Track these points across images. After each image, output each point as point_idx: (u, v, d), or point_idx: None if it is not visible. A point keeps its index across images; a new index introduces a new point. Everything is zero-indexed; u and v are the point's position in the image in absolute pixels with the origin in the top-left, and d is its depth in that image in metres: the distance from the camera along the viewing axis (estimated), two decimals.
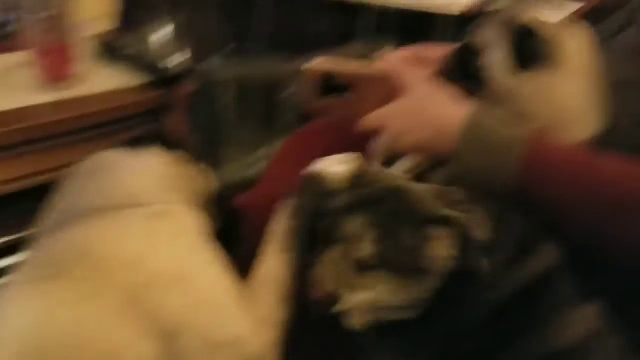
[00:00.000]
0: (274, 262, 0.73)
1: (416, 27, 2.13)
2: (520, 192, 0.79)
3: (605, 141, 0.88)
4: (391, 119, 0.89)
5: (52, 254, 0.70)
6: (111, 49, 1.45)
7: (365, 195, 0.76)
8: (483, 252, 0.72)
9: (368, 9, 2.28)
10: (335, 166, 0.79)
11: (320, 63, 0.92)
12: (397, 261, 0.71)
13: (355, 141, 1.16)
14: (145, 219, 0.73)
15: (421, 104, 0.87)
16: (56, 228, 0.74)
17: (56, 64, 1.29)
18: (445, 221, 0.73)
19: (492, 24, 0.91)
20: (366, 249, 0.71)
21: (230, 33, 3.37)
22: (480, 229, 0.73)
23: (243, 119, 2.16)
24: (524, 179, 0.79)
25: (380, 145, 1.15)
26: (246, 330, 0.69)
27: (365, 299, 0.72)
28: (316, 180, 0.78)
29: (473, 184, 0.82)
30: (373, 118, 0.91)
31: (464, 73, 0.93)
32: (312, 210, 0.75)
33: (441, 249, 0.71)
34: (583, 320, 0.71)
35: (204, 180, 0.90)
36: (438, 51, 0.97)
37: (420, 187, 0.78)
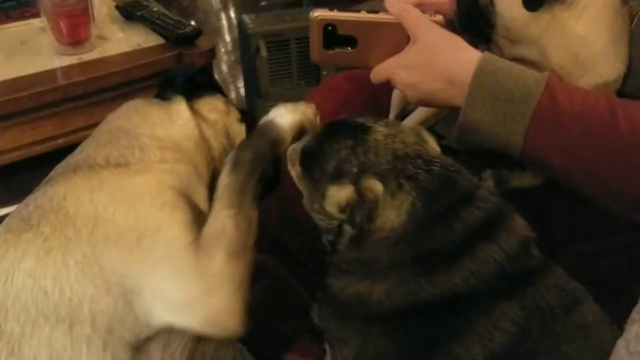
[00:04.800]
0: (220, 219, 0.70)
1: None
2: (530, 145, 0.75)
3: (622, 87, 0.83)
4: (399, 71, 0.85)
5: (31, 207, 0.71)
6: (128, 13, 1.46)
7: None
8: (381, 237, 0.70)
9: None
10: (284, 116, 0.78)
11: (323, 12, 0.89)
12: (313, 172, 0.76)
13: (374, 94, 1.14)
14: (122, 176, 0.73)
15: (430, 52, 0.82)
16: (52, 178, 0.75)
17: (73, 28, 1.30)
18: (356, 180, 0.72)
19: None
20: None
21: None
22: (396, 211, 0.70)
23: (279, 73, 2.16)
24: (536, 132, 0.74)
25: (394, 98, 1.12)
26: (198, 289, 0.67)
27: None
28: (264, 130, 0.77)
29: (480, 137, 0.78)
30: (381, 70, 0.88)
31: (473, 14, 0.88)
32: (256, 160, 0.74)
33: (338, 196, 0.72)
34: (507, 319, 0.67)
35: (239, 128, 0.89)
36: None
37: (392, 144, 0.75)
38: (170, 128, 0.81)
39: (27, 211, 0.71)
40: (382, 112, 1.12)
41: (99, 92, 1.27)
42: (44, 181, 0.77)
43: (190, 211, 0.73)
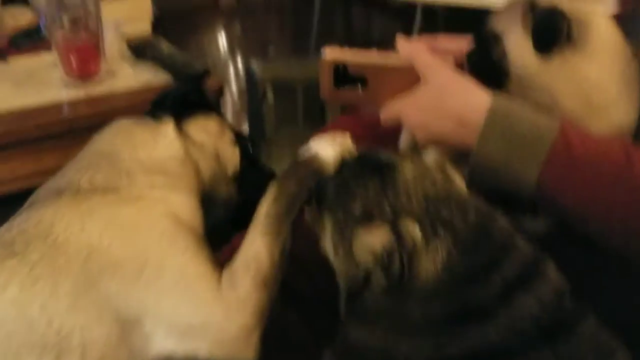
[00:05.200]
0: (255, 245, 0.70)
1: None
2: (543, 188, 0.74)
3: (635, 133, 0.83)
4: (410, 111, 0.85)
5: (14, 233, 0.69)
6: (139, 51, 1.47)
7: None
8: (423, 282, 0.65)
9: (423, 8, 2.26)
10: (326, 148, 0.77)
11: (334, 52, 0.89)
12: (338, 216, 0.70)
13: (381, 136, 1.13)
14: (113, 204, 0.71)
15: (441, 93, 0.82)
16: (34, 203, 0.73)
17: (83, 62, 1.31)
18: (390, 221, 0.66)
19: (511, 6, 0.87)
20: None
21: (289, 35, 3.46)
22: (432, 260, 0.65)
23: (285, 119, 2.17)
24: (550, 174, 0.74)
25: (403, 139, 1.12)
26: (216, 314, 0.66)
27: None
28: (307, 163, 0.75)
29: (492, 178, 0.77)
30: (391, 110, 0.88)
31: (486, 60, 0.88)
32: (299, 192, 0.73)
33: (371, 241, 0.66)
34: None
35: (232, 150, 0.87)
36: (453, 42, 0.93)
37: (422, 184, 0.70)
38: (153, 150, 0.79)
39: (9, 236, 0.68)
40: None
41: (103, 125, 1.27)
42: (26, 205, 0.74)
43: (192, 237, 0.71)
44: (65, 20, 1.27)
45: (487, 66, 0.88)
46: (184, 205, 0.76)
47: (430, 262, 0.65)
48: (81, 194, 0.71)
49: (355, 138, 1.17)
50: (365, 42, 2.27)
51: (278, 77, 2.18)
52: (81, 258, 0.66)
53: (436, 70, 0.83)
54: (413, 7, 2.35)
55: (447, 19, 2.23)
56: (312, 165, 0.75)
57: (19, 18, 1.55)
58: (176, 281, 0.67)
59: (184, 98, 0.85)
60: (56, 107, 1.26)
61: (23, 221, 0.70)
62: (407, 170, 0.71)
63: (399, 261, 0.64)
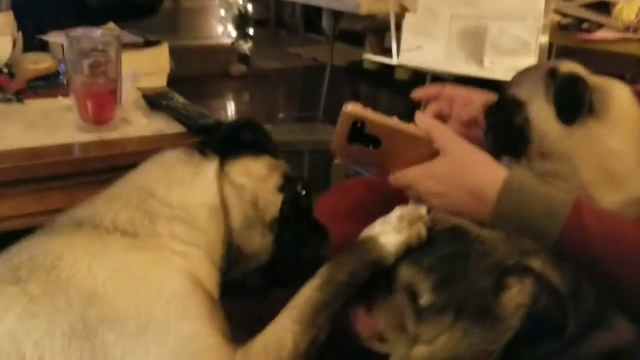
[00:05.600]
0: (282, 331, 0.64)
1: None
2: (561, 256, 0.74)
3: None
4: (426, 180, 0.86)
5: (24, 257, 0.67)
6: (153, 101, 1.49)
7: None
8: (565, 305, 0.66)
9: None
10: (390, 235, 0.71)
11: (357, 107, 0.91)
12: (468, 304, 0.66)
13: (387, 199, 1.13)
14: (127, 249, 0.68)
15: (460, 165, 0.84)
16: (50, 229, 0.71)
17: (99, 107, 1.32)
18: (522, 269, 0.67)
19: (531, 72, 0.89)
20: (426, 296, 0.68)
21: (297, 104, 3.53)
22: (562, 281, 0.67)
23: None
24: (564, 246, 0.75)
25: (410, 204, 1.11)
26: None
27: (423, 353, 0.68)
28: (365, 249, 0.69)
29: None
30: (405, 176, 0.89)
31: (508, 126, 0.90)
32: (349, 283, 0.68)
33: (517, 297, 0.65)
34: None
35: (274, 196, 0.79)
36: (461, 89, 0.96)
37: (487, 233, 0.73)
38: (188, 190, 0.74)
39: (18, 260, 0.66)
40: None
41: (114, 169, 1.26)
42: (46, 228, 0.73)
43: (205, 302, 0.67)
44: (85, 65, 1.29)
45: (509, 132, 0.89)
46: (203, 263, 0.71)
47: (561, 286, 0.66)
48: (98, 231, 0.69)
49: (362, 198, 1.18)
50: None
51: (285, 140, 2.22)
52: (82, 303, 0.63)
53: (455, 143, 0.85)
54: (419, 80, 2.42)
55: None
56: (369, 255, 0.69)
57: (39, 63, 1.57)
58: (179, 349, 0.62)
59: (235, 136, 0.80)
60: (67, 148, 1.26)
61: (35, 246, 0.68)
62: (474, 227, 0.73)
63: (546, 297, 0.65)
